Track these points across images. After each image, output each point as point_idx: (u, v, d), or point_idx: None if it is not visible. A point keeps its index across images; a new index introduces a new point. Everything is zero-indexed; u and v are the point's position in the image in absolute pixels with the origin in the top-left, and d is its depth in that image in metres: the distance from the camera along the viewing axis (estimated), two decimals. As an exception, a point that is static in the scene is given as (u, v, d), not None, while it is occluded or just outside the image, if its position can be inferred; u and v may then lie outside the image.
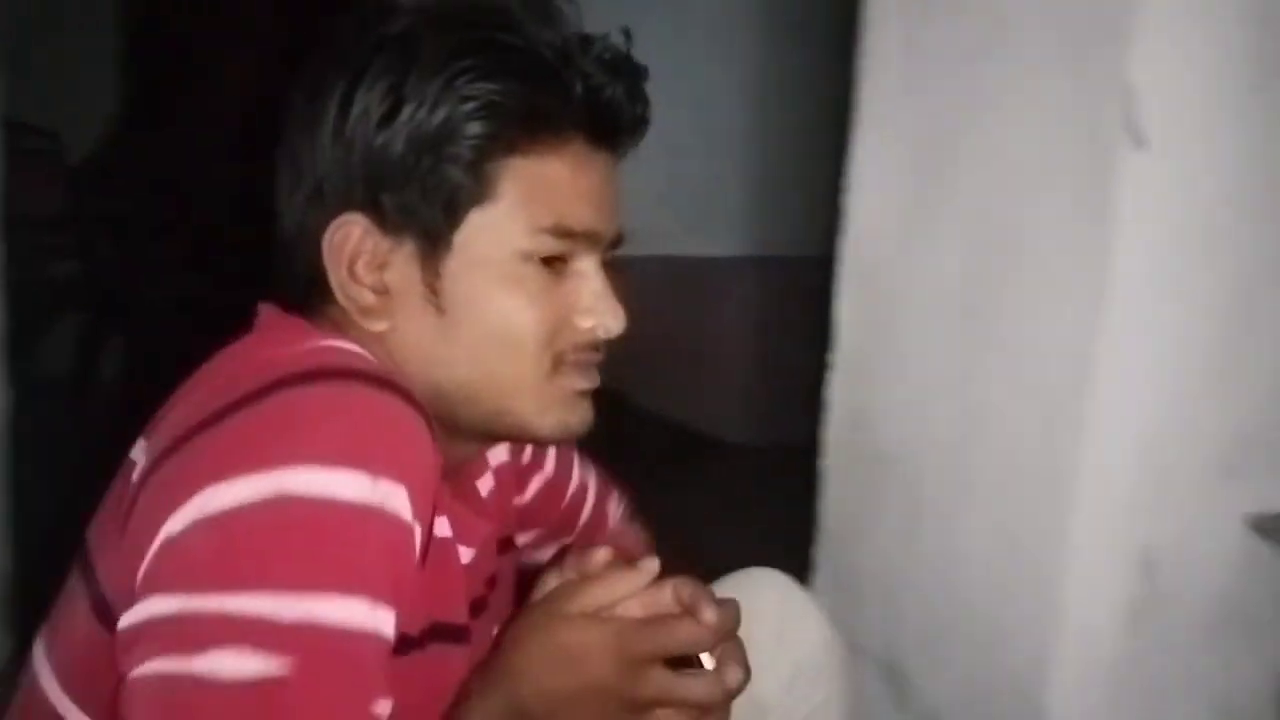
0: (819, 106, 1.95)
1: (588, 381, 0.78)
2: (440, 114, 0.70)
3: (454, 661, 0.78)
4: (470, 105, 0.70)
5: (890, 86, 1.31)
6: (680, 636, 0.71)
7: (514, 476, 0.96)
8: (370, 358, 0.69)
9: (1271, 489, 1.16)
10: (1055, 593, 1.10)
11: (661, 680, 0.70)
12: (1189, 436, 1.12)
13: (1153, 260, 1.06)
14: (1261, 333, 1.12)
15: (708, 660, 0.72)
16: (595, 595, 0.72)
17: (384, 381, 0.65)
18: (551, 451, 0.99)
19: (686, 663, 0.72)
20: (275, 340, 0.72)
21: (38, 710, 0.71)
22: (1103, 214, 1.05)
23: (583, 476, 1.06)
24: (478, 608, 0.83)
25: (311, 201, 0.73)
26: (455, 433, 0.76)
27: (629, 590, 0.72)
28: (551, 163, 0.73)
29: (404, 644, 0.67)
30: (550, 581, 0.76)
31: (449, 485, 0.77)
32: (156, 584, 0.61)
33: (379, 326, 0.74)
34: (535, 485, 1.00)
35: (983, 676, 1.16)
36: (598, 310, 0.76)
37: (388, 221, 0.72)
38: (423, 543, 0.65)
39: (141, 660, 0.59)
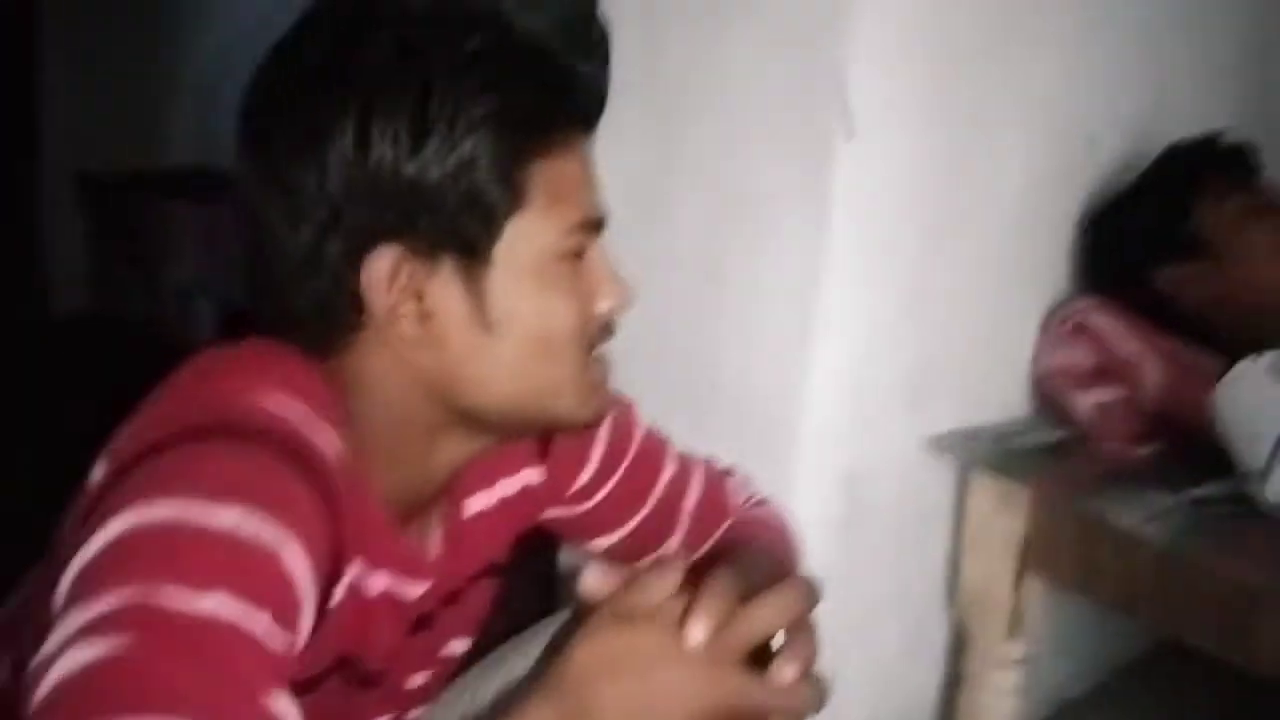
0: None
1: (606, 364, 0.80)
2: (468, 134, 0.69)
3: (358, 705, 0.80)
4: (495, 119, 0.70)
5: (629, 51, 1.43)
6: (762, 623, 0.66)
7: (535, 497, 0.94)
8: (293, 418, 0.69)
9: (944, 416, 1.44)
10: None
11: (748, 684, 0.66)
12: (882, 378, 1.35)
13: (861, 224, 1.26)
14: (939, 288, 1.37)
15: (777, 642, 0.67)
16: (644, 594, 0.67)
17: (286, 449, 0.67)
18: (596, 454, 0.96)
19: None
20: (228, 375, 0.71)
21: None
22: (821, 182, 1.23)
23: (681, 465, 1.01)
24: (421, 623, 0.85)
25: (326, 233, 0.71)
26: (440, 445, 0.77)
27: (674, 581, 0.66)
28: (567, 159, 0.74)
29: (307, 682, 0.69)
30: (588, 581, 0.70)
31: (401, 530, 0.79)
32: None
33: (424, 359, 0.73)
34: (600, 494, 0.97)
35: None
36: (612, 292, 0.77)
37: (422, 246, 0.71)
38: (320, 593, 0.67)
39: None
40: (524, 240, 0.72)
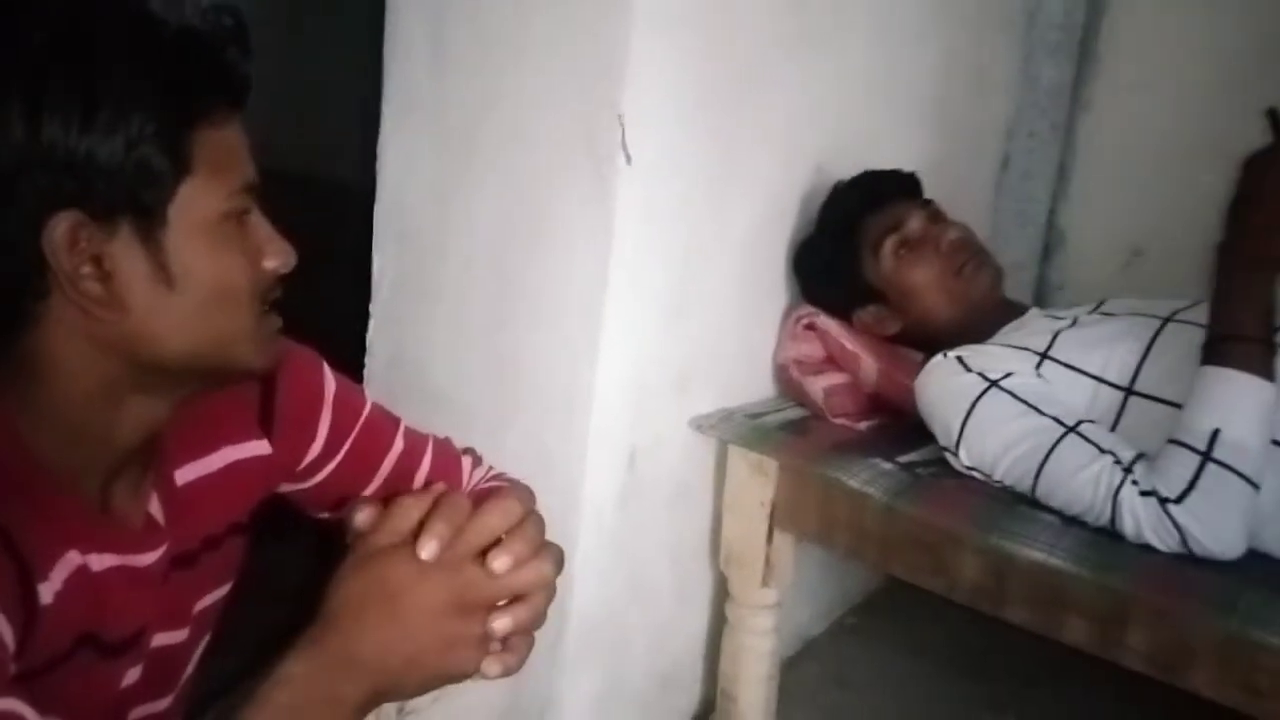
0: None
1: (276, 322, 0.86)
2: (133, 111, 0.73)
3: (105, 673, 0.83)
4: (156, 98, 0.74)
5: (417, 76, 1.54)
6: (486, 527, 0.79)
7: (264, 470, 0.98)
8: None
9: (705, 401, 1.63)
10: (575, 488, 1.47)
11: (482, 577, 0.78)
12: (656, 370, 1.53)
13: (637, 242, 1.43)
14: (698, 295, 1.56)
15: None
16: (392, 525, 0.79)
17: None
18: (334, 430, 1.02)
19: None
20: None
21: None
22: (605, 204, 1.39)
23: (410, 442, 1.08)
24: (183, 561, 0.91)
25: (2, 209, 0.73)
26: (142, 400, 0.81)
27: (421, 511, 0.79)
28: (224, 130, 0.79)
29: (50, 662, 0.74)
30: (359, 518, 0.83)
31: (106, 509, 0.83)
32: None
33: (107, 318, 0.76)
34: (328, 466, 1.03)
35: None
36: (277, 250, 0.84)
37: (99, 211, 0.74)
38: (18, 600, 0.72)
39: None
40: (194, 202, 0.77)
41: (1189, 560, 1.24)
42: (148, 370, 0.80)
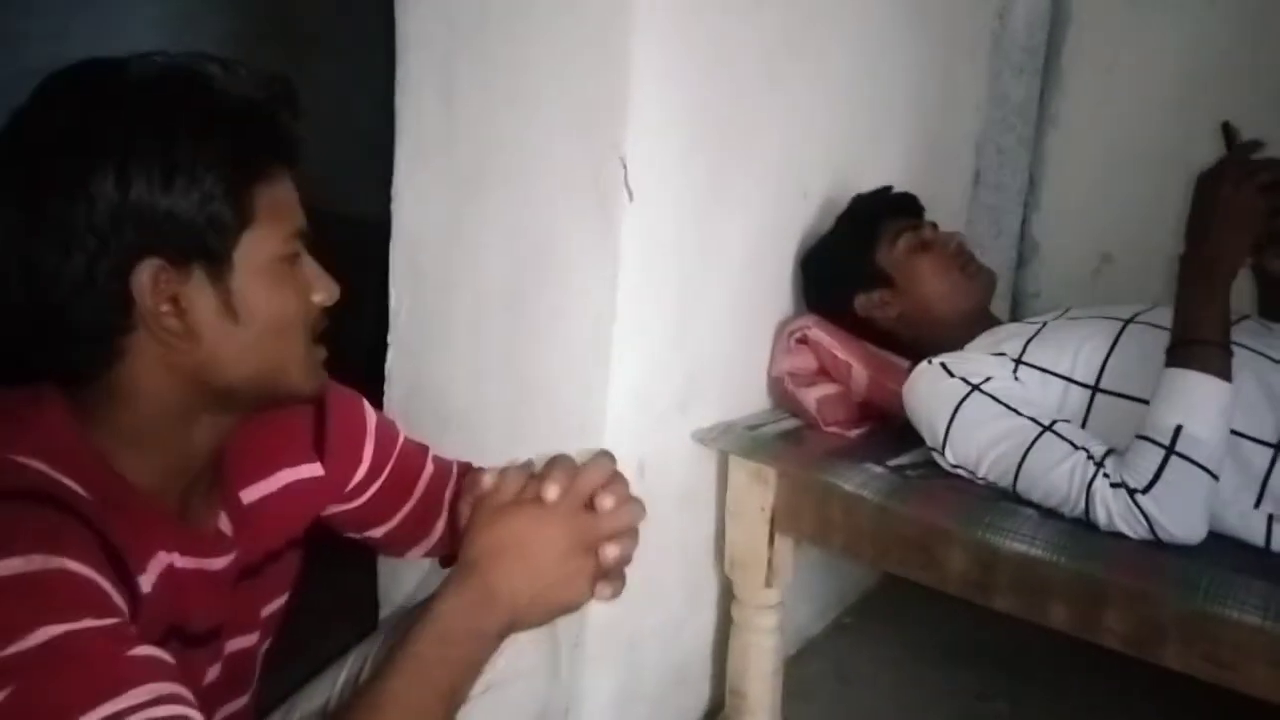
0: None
1: (322, 353, 0.98)
2: (206, 173, 0.84)
3: (191, 665, 0.93)
4: (225, 160, 0.85)
5: (427, 118, 1.65)
6: (591, 478, 0.93)
7: (317, 490, 1.10)
8: (44, 465, 0.83)
9: (707, 415, 1.72)
10: None
11: (592, 520, 0.92)
12: (661, 388, 1.62)
13: (641, 273, 1.52)
14: (697, 317, 1.65)
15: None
16: (510, 486, 0.93)
17: (41, 494, 0.80)
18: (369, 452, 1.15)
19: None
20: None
21: None
22: (610, 238, 1.48)
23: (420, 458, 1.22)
24: (249, 571, 1.03)
25: (97, 256, 0.83)
26: (210, 420, 0.92)
27: (527, 475, 0.94)
28: (279, 184, 0.91)
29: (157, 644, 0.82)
30: (485, 480, 0.95)
31: (184, 518, 0.94)
32: None
33: (182, 348, 0.87)
34: (372, 488, 1.16)
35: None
36: (324, 286, 0.96)
37: (177, 258, 0.85)
38: (123, 584, 0.80)
39: None
40: (255, 248, 0.89)
41: (1157, 545, 1.35)
42: (216, 393, 0.91)
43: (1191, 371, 1.36)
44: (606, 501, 0.93)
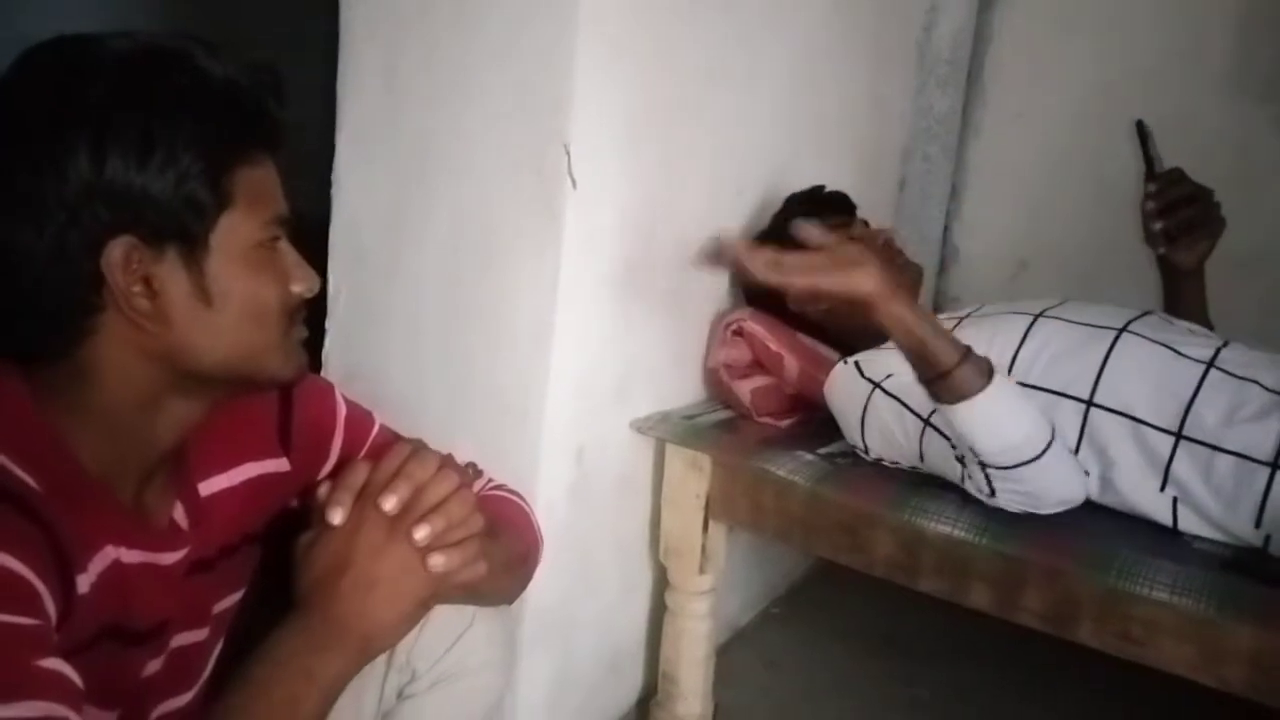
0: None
1: (303, 332, 0.97)
2: (184, 152, 0.83)
3: (127, 662, 0.92)
4: (204, 141, 0.84)
5: (370, 105, 1.65)
6: (357, 481, 0.94)
7: (280, 486, 1.09)
8: None
9: (644, 404, 1.75)
10: (529, 485, 1.54)
11: (386, 517, 0.92)
12: (600, 376, 1.65)
13: (584, 258, 1.54)
14: (637, 308, 1.68)
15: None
16: (353, 477, 0.94)
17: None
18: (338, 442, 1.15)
19: None
20: None
21: None
22: (553, 225, 1.49)
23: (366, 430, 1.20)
24: (202, 566, 1.00)
25: (68, 230, 0.81)
26: (184, 402, 0.91)
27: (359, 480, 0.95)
28: (261, 168, 0.90)
29: (75, 648, 0.81)
30: (321, 491, 0.96)
31: (139, 510, 0.93)
32: None
33: (152, 329, 0.86)
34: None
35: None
36: (302, 276, 0.95)
37: (150, 237, 0.83)
38: (60, 584, 0.79)
39: None
40: (232, 231, 0.87)
41: (1072, 525, 1.42)
42: (186, 377, 0.90)
43: (950, 406, 1.35)
44: (387, 504, 0.93)
